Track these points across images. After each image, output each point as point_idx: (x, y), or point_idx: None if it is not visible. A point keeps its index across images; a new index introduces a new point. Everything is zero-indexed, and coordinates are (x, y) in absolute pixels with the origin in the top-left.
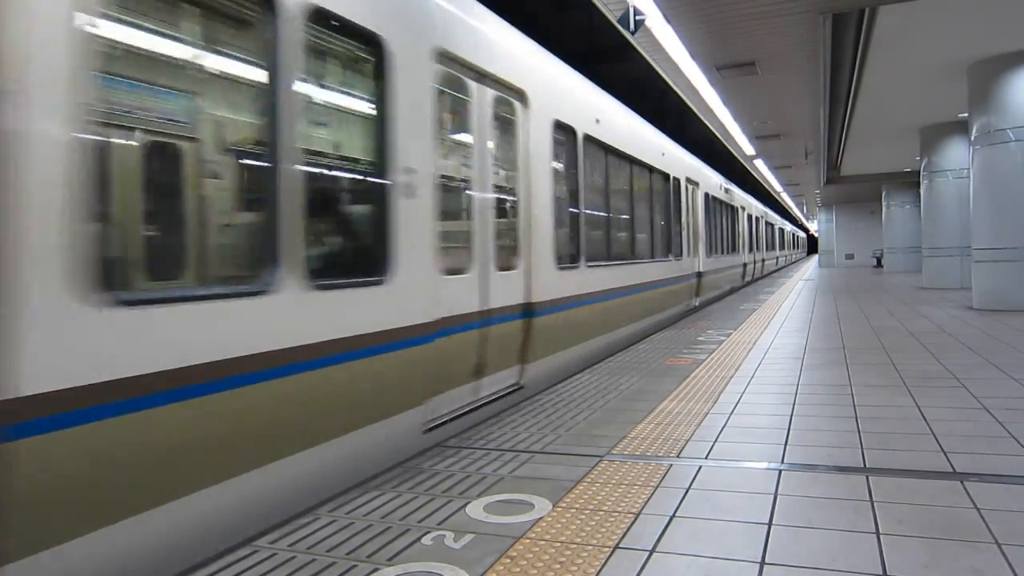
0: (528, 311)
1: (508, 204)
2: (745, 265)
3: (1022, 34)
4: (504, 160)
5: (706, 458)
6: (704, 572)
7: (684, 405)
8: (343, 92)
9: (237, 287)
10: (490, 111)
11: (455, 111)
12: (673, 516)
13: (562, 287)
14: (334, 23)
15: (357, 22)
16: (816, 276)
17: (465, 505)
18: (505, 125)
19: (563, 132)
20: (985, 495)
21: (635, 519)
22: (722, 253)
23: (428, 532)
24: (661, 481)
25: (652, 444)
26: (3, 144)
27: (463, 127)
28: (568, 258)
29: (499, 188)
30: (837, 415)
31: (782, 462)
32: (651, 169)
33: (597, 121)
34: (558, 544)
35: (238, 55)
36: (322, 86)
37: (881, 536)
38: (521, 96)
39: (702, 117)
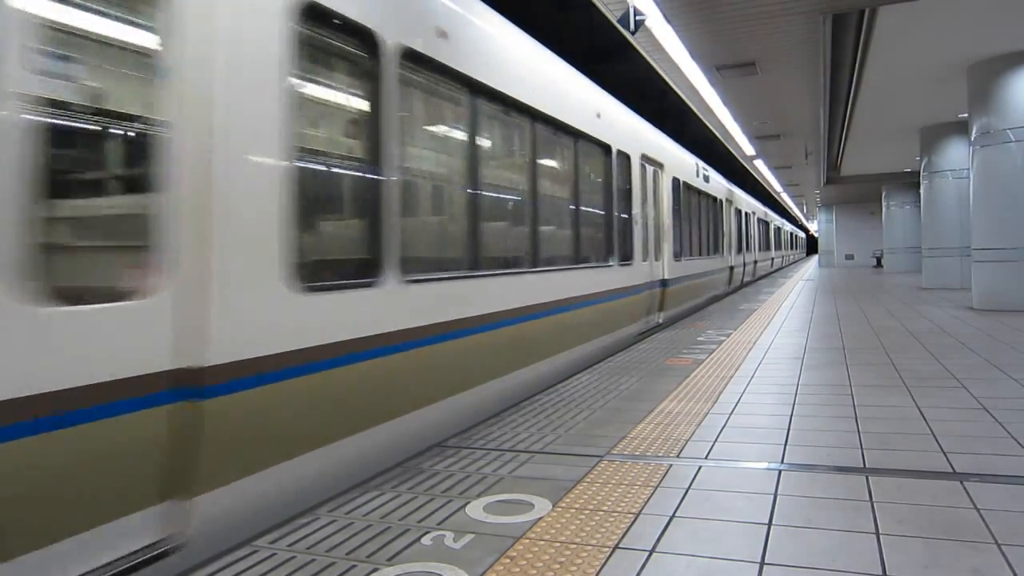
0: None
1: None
2: (732, 268)
3: (1022, 34)
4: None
5: (706, 458)
6: (704, 572)
7: (684, 405)
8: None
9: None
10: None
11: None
12: (673, 516)
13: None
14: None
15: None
16: (816, 276)
17: (465, 505)
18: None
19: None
20: (985, 495)
21: (635, 519)
22: (699, 255)
23: (428, 532)
24: (661, 481)
25: (652, 444)
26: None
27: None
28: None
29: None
30: (837, 415)
31: (782, 462)
32: (574, 134)
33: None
34: (558, 544)
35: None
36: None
37: (881, 536)
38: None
39: (702, 117)
